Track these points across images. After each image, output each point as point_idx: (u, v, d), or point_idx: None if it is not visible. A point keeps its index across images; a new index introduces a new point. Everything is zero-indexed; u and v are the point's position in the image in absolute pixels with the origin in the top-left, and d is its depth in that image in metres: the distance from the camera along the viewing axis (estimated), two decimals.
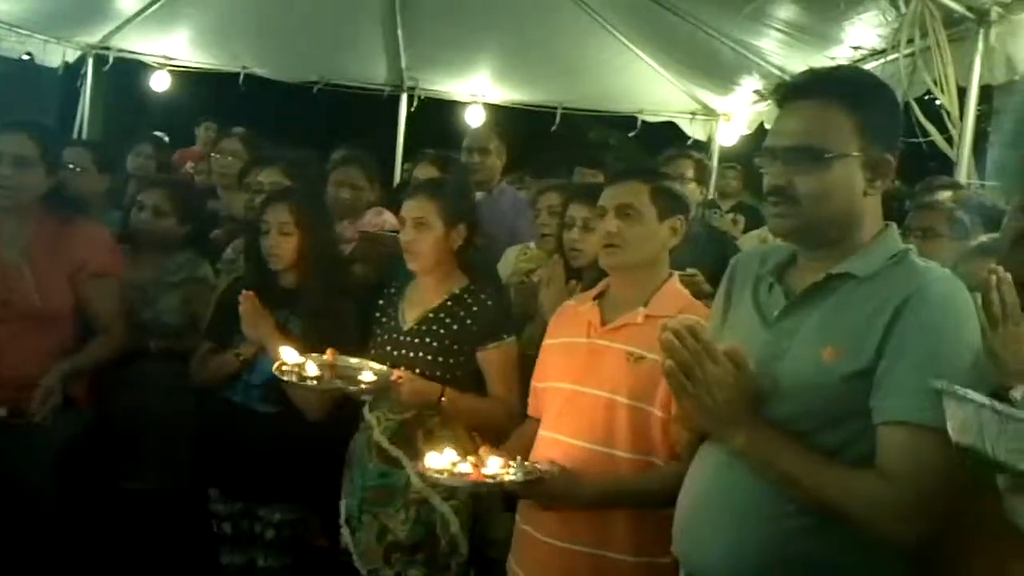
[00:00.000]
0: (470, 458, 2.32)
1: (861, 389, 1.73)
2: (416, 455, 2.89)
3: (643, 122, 8.06)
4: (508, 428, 2.72)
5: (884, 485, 1.69)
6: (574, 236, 3.17)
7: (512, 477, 2.28)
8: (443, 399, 2.85)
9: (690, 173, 4.26)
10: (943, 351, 1.70)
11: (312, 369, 2.68)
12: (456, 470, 2.28)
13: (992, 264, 1.98)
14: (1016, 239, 1.97)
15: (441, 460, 2.31)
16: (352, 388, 2.71)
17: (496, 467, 2.29)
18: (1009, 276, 1.88)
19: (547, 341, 2.67)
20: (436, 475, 2.28)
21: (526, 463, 2.35)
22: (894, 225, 1.92)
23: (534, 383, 2.65)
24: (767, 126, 6.98)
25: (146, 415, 3.55)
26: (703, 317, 2.18)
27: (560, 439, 2.46)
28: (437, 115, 8.41)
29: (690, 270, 2.59)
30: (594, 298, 2.58)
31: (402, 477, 2.93)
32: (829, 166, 1.79)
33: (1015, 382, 1.79)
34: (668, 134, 7.87)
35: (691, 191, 4.12)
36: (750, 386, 1.79)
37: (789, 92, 1.88)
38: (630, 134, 8.34)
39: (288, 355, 2.72)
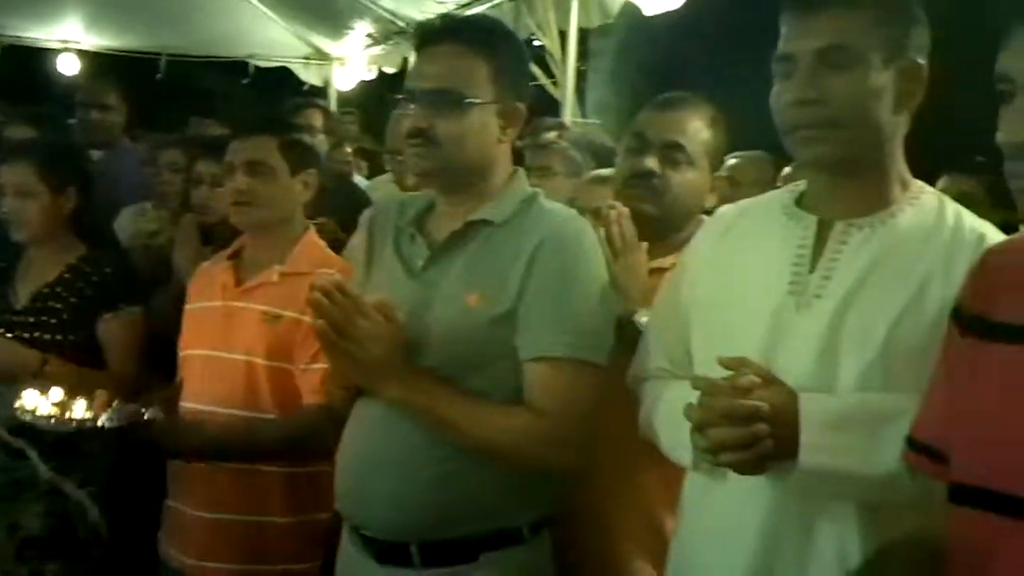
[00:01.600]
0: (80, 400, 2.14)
1: (506, 331, 1.80)
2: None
3: (256, 68, 7.85)
4: None
5: (533, 418, 1.78)
6: (203, 193, 3.02)
7: (107, 421, 2.12)
8: (46, 366, 2.60)
9: (318, 123, 4.21)
10: (576, 288, 1.81)
11: None
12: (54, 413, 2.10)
13: (609, 197, 2.15)
14: (628, 177, 2.13)
15: (42, 400, 2.11)
16: None
17: (83, 411, 2.12)
18: (627, 210, 2.04)
19: (187, 306, 2.53)
20: (33, 418, 2.09)
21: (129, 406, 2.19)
22: (522, 170, 2.00)
23: (179, 351, 2.51)
24: (385, 70, 7.12)
25: None
26: (340, 270, 2.20)
27: (201, 408, 2.36)
28: (25, 64, 7.64)
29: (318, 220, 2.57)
30: (228, 258, 2.48)
31: (29, 468, 2.68)
32: (468, 111, 1.83)
33: (639, 307, 1.98)
34: (282, 80, 7.72)
35: (320, 142, 4.09)
36: (401, 337, 1.81)
37: (428, 36, 1.89)
38: (243, 80, 8.08)
39: None
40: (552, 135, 3.62)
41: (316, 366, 2.23)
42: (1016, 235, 1.29)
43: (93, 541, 2.73)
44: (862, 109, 1.48)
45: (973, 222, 1.51)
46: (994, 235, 1.48)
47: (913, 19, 1.53)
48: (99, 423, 2.10)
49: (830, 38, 1.47)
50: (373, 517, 1.89)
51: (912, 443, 1.31)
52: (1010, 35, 1.15)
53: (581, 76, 5.05)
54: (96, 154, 4.04)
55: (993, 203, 1.17)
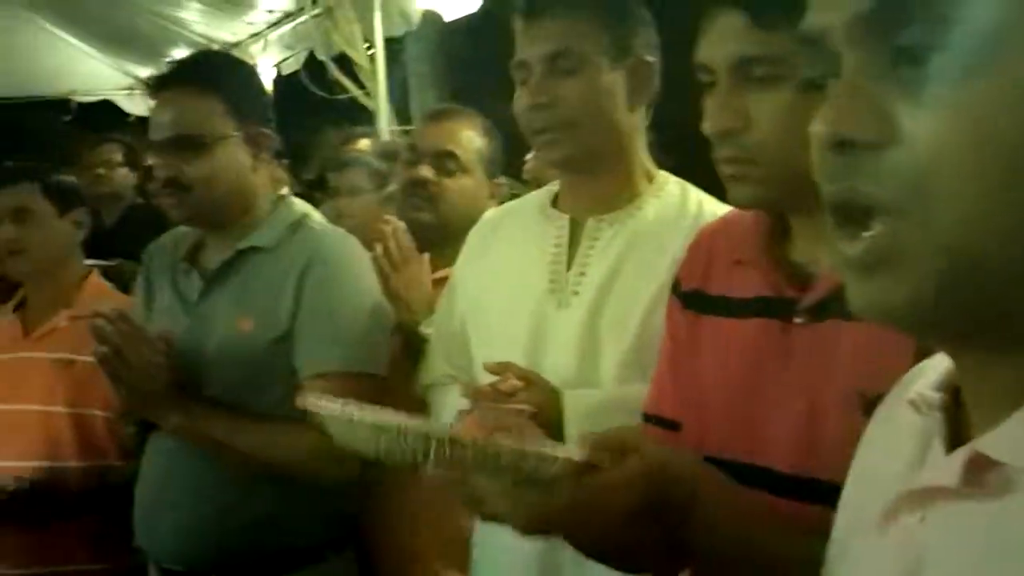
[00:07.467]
0: None
1: (284, 352, 1.83)
2: None
3: (78, 104, 7.59)
4: None
5: (316, 434, 1.78)
6: None
7: None
8: None
9: (118, 158, 4.13)
10: (345, 303, 1.84)
11: None
12: None
13: (387, 215, 2.16)
14: (405, 186, 2.15)
15: None
16: None
17: None
18: (403, 224, 2.06)
19: None
20: None
21: None
22: (292, 197, 2.04)
23: None
24: None
25: None
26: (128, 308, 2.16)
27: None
28: None
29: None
30: (14, 309, 2.42)
31: None
32: (211, 149, 1.84)
33: (422, 319, 1.99)
34: (105, 113, 7.48)
35: (123, 176, 4.02)
36: (182, 367, 1.83)
37: (155, 85, 1.91)
38: (65, 118, 7.80)
39: None
40: (362, 146, 3.54)
41: None
42: (729, 212, 1.32)
43: None
44: (595, 108, 1.53)
45: (714, 207, 1.54)
46: None
47: (638, 20, 1.58)
48: None
49: (556, 44, 1.52)
50: (166, 550, 1.90)
51: (647, 418, 1.32)
52: (704, 23, 1.14)
53: (402, 83, 5.05)
54: None
55: None
